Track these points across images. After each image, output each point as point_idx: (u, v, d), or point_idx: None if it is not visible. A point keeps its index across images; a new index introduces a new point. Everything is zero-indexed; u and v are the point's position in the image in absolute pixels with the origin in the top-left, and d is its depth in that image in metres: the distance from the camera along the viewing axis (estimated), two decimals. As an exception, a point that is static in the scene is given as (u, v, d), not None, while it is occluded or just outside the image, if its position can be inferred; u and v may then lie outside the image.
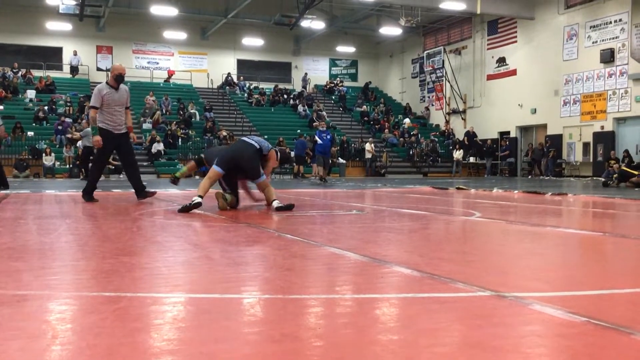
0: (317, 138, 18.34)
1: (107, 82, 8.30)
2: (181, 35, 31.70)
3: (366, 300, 2.41)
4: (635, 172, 14.67)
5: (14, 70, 28.49)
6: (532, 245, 4.27)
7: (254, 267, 3.28)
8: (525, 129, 27.06)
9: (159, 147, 24.45)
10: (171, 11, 27.18)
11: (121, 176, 22.10)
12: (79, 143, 18.98)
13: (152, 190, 8.82)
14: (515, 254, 3.92)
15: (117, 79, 8.18)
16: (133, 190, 8.62)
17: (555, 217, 7.00)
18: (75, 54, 30.29)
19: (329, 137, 18.20)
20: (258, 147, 7.00)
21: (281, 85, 33.77)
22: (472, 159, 28.24)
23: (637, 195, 10.56)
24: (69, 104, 26.63)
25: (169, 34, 31.52)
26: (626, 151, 21.44)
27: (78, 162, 19.25)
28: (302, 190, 12.52)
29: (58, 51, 30.81)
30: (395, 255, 3.65)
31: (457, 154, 28.01)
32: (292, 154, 24.52)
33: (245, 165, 6.89)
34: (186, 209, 6.39)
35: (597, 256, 3.96)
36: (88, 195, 8.29)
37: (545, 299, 2.37)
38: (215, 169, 6.82)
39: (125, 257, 3.51)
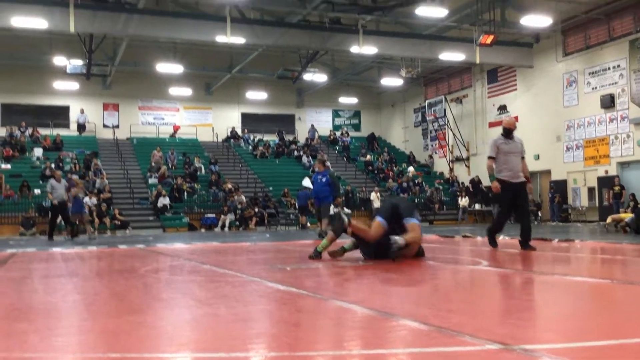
0: (308, 182, 15.42)
1: (501, 134, 8.82)
2: (186, 91, 32.23)
3: (374, 357, 2.39)
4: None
5: (22, 129, 28.90)
6: (541, 295, 4.24)
7: (260, 324, 3.26)
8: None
9: (164, 201, 24.53)
10: (176, 68, 27.71)
11: (127, 232, 22.11)
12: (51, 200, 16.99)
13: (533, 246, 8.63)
14: (523, 304, 3.89)
15: (506, 131, 8.73)
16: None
17: (563, 265, 6.95)
18: (82, 112, 30.76)
19: (324, 179, 14.07)
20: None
21: (285, 137, 34.10)
22: (477, 206, 28.20)
23: (645, 239, 10.48)
24: (75, 161, 26.89)
25: (174, 90, 32.07)
26: (632, 195, 21.38)
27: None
28: (306, 241, 12.48)
29: (65, 109, 31.31)
30: (402, 308, 3.63)
31: (463, 202, 28.00)
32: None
33: (403, 208, 6.80)
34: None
35: (606, 304, 3.92)
36: (492, 239, 8.78)
37: (554, 351, 2.34)
38: (378, 220, 6.66)
39: (131, 315, 3.50)
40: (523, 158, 8.74)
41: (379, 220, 6.64)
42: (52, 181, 16.63)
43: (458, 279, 5.56)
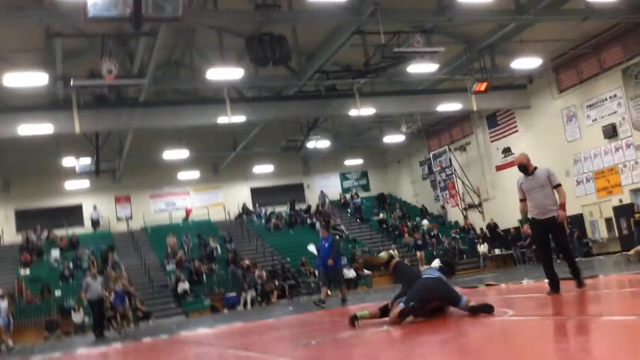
0: (313, 248, 15.60)
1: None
2: (194, 174, 32.64)
3: None
4: None
5: (37, 233, 29.18)
6: (573, 342, 4.19)
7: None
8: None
9: (184, 286, 24.45)
10: (183, 154, 28.17)
11: (150, 322, 21.97)
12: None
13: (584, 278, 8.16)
14: (556, 355, 3.84)
15: (520, 169, 8.47)
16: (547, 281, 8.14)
17: (591, 304, 6.85)
18: (94, 208, 31.11)
19: (327, 244, 14.05)
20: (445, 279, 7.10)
21: (296, 207, 34.22)
22: (497, 251, 27.91)
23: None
24: (92, 257, 26.98)
25: (182, 175, 32.49)
26: (650, 221, 21.16)
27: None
28: (329, 310, 12.36)
29: (78, 208, 31.68)
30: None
31: (482, 248, 27.73)
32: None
33: (445, 298, 6.92)
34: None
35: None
36: (550, 284, 8.14)
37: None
38: (402, 307, 6.71)
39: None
40: (558, 186, 8.29)
41: (402, 307, 6.73)
42: (88, 279, 16.60)
43: (485, 334, 5.50)
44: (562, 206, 8.24)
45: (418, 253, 28.11)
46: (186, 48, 21.91)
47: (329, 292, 15.29)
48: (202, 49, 21.24)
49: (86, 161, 25.34)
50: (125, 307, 17.56)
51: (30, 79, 17.19)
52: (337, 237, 29.40)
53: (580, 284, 8.02)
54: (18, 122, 20.03)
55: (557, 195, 8.28)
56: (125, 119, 21.56)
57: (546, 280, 8.41)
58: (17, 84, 17.36)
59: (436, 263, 7.40)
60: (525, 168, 8.44)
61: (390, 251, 7.58)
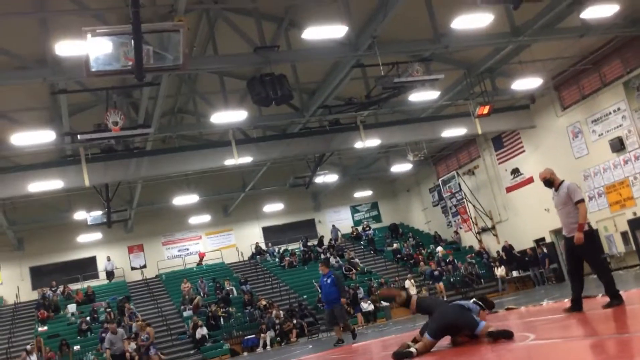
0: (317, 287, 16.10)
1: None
2: (205, 217, 32.71)
3: None
4: None
5: (53, 289, 29.16)
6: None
7: None
8: (559, 232, 26.57)
9: (202, 331, 24.24)
10: (192, 198, 28.28)
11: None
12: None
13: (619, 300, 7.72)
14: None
15: (545, 184, 8.50)
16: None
17: (615, 322, 6.74)
18: (108, 259, 31.13)
19: (329, 280, 14.16)
20: (467, 307, 7.12)
21: (308, 243, 34.08)
22: (514, 273, 27.59)
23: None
24: (108, 309, 26.90)
25: (193, 220, 32.56)
26: (666, 232, 20.92)
27: None
28: (350, 345, 12.19)
29: (92, 260, 31.71)
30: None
31: (499, 271, 27.45)
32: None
33: (462, 325, 6.94)
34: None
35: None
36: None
37: None
38: (428, 338, 6.91)
39: None
40: (578, 202, 8.05)
41: (428, 338, 6.86)
42: (109, 335, 16.56)
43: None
44: (579, 227, 7.91)
45: (437, 285, 27.75)
46: (189, 94, 22.20)
47: (349, 325, 15.15)
48: (205, 94, 21.51)
49: (97, 213, 25.46)
50: (150, 355, 17.54)
51: (38, 137, 17.45)
52: (351, 271, 29.41)
53: (610, 303, 7.64)
54: (28, 180, 20.25)
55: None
56: (133, 169, 21.74)
57: (565, 300, 8.29)
58: (25, 143, 17.61)
59: (471, 301, 7.42)
60: (551, 183, 8.31)
61: (407, 289, 7.72)
